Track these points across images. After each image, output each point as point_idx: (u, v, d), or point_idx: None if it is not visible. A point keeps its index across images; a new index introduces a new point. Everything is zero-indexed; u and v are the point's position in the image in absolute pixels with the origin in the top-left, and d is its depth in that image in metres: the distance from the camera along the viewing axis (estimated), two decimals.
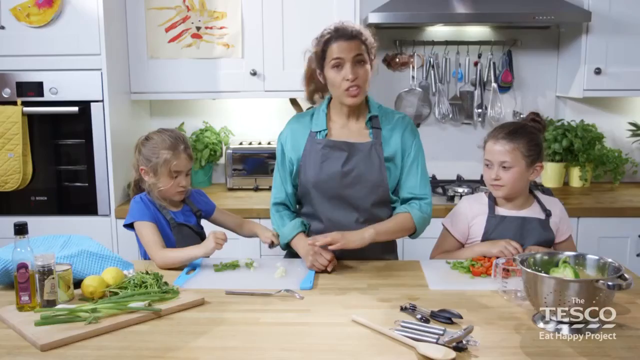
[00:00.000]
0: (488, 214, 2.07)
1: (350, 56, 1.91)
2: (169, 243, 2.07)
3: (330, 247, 1.88)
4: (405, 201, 2.06)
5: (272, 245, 2.11)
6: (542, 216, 2.06)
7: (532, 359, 1.33)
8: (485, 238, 2.06)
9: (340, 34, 1.93)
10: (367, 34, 1.97)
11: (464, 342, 1.35)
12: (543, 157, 2.07)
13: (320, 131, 2.03)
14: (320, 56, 1.97)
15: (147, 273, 1.75)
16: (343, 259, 2.01)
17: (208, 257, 2.01)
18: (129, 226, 2.08)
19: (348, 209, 2.02)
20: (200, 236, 2.19)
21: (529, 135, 2.03)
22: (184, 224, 2.13)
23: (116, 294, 1.65)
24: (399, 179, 2.06)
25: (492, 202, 2.09)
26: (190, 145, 2.16)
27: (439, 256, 2.13)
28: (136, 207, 2.07)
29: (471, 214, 2.10)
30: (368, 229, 1.94)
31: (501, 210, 2.08)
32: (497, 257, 1.85)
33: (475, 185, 3.16)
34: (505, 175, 2.01)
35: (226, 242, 1.96)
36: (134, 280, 1.71)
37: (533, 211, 2.07)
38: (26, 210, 2.87)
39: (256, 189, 3.23)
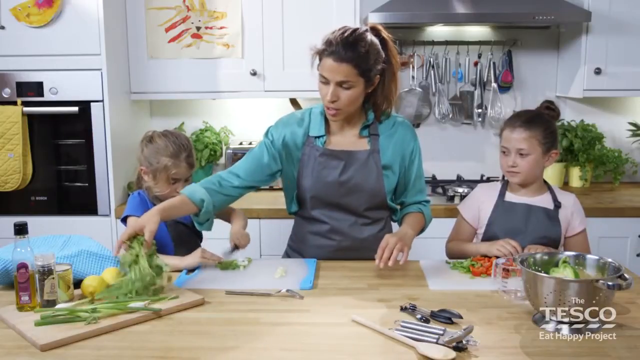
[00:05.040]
0: (497, 199, 2.11)
1: (335, 79, 1.82)
2: (165, 241, 2.07)
3: (401, 256, 1.82)
4: (409, 204, 2.07)
5: (236, 247, 2.05)
6: (551, 206, 2.07)
7: (532, 359, 1.33)
8: (491, 222, 2.09)
9: (334, 50, 1.80)
10: (365, 53, 1.81)
11: (464, 342, 1.35)
12: (558, 145, 2.12)
13: (319, 137, 1.98)
14: (317, 59, 1.90)
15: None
16: (343, 259, 2.02)
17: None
18: (125, 221, 2.08)
19: (346, 214, 2.01)
20: (197, 234, 2.19)
21: (545, 123, 2.08)
22: (180, 222, 2.13)
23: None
24: (404, 185, 2.05)
25: (504, 188, 2.14)
26: (194, 153, 2.14)
27: (453, 244, 2.18)
28: (132, 202, 2.08)
29: (482, 198, 2.16)
30: (408, 230, 1.92)
31: (511, 197, 2.11)
32: (497, 257, 1.85)
33: (475, 185, 3.15)
34: (521, 162, 2.04)
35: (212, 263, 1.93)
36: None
37: (543, 200, 2.09)
38: (26, 210, 2.87)
39: (256, 189, 3.22)
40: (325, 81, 1.85)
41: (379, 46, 1.87)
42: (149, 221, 1.70)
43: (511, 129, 2.06)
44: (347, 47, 1.80)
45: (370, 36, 1.86)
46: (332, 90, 1.84)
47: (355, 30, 1.84)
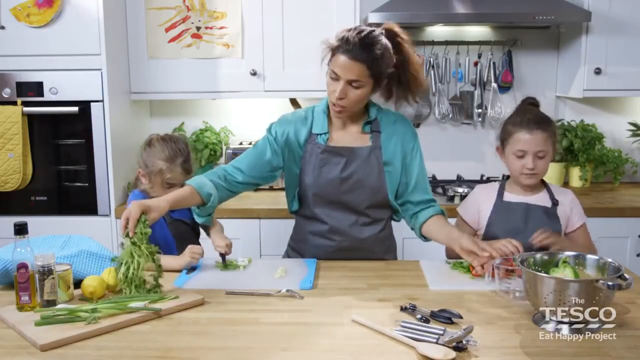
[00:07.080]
0: (496, 199, 2.11)
1: (347, 77, 1.83)
2: (167, 239, 2.07)
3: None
4: (417, 204, 2.03)
5: (224, 255, 1.99)
6: (549, 204, 2.07)
7: (532, 359, 1.33)
8: (490, 223, 2.08)
9: (349, 47, 1.81)
10: (379, 56, 1.83)
11: (464, 342, 1.35)
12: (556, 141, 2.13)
13: (321, 134, 1.99)
14: (329, 54, 1.89)
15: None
16: (343, 259, 2.02)
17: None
18: None
19: (347, 212, 2.01)
20: (195, 231, 2.19)
21: (551, 121, 2.08)
22: (180, 219, 2.13)
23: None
24: (406, 183, 2.03)
25: (502, 188, 2.13)
26: (191, 158, 2.13)
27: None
28: (134, 199, 2.08)
29: (481, 199, 2.15)
30: (464, 235, 1.85)
31: (509, 196, 2.11)
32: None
33: (475, 185, 3.15)
34: (540, 163, 2.03)
35: (202, 257, 1.92)
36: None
37: (541, 198, 2.09)
38: (26, 210, 2.87)
39: (256, 189, 3.23)
40: (335, 77, 1.86)
41: (392, 50, 1.88)
42: (158, 209, 1.70)
43: (528, 131, 2.01)
44: (363, 47, 1.82)
45: (384, 40, 1.86)
46: (341, 87, 1.85)
47: (372, 31, 1.85)
